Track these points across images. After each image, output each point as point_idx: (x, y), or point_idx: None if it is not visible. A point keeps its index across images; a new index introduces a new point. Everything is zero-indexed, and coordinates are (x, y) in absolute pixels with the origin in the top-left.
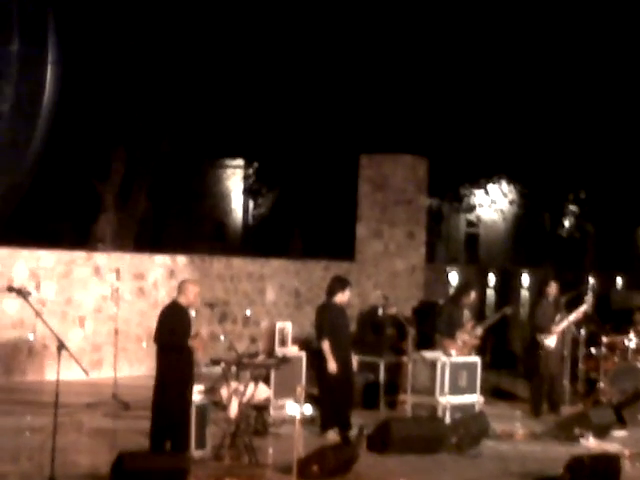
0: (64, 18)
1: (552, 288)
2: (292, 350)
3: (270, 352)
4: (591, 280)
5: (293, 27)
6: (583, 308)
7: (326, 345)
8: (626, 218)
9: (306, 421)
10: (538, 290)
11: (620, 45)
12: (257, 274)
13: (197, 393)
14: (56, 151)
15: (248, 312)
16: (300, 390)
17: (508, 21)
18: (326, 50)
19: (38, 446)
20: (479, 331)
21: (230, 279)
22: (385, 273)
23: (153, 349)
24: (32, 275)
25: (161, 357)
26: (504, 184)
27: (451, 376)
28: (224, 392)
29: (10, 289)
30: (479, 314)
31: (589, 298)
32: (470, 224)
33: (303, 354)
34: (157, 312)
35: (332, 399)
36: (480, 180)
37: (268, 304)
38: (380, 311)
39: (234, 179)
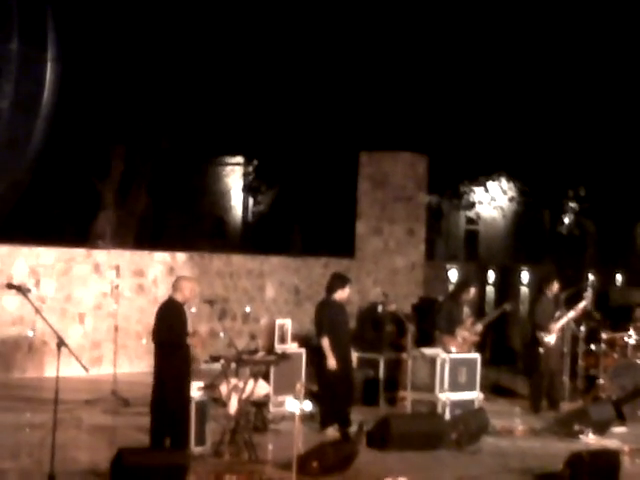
0: (63, 16)
1: (553, 286)
2: (292, 347)
3: (270, 349)
4: (591, 277)
5: (292, 25)
6: (582, 304)
7: (326, 342)
8: (626, 215)
9: (306, 417)
10: (538, 287)
11: (620, 44)
12: (257, 271)
13: (197, 390)
14: (56, 148)
15: (248, 309)
16: (300, 387)
17: (508, 19)
18: (325, 48)
19: (38, 442)
20: (479, 328)
21: (230, 276)
22: (385, 270)
23: (152, 346)
24: (32, 272)
25: (159, 354)
26: (504, 181)
27: (451, 373)
28: (224, 389)
29: (10, 286)
30: (479, 311)
31: (588, 295)
32: (470, 221)
33: (303, 351)
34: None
35: (332, 396)
36: (480, 177)
37: (268, 301)
38: (380, 308)
39: (234, 176)
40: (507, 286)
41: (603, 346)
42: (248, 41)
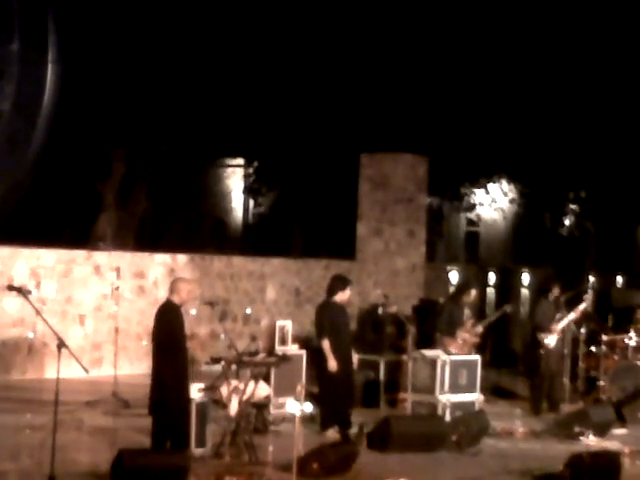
0: (64, 18)
1: (554, 288)
2: (292, 348)
3: (270, 350)
4: (591, 279)
5: (293, 26)
6: (582, 306)
7: (326, 344)
8: (626, 217)
9: (306, 419)
10: (538, 289)
11: (620, 45)
12: (257, 273)
13: (197, 391)
14: (57, 150)
15: (248, 310)
16: (300, 388)
17: (508, 21)
18: (326, 49)
19: (38, 444)
20: (479, 329)
21: (230, 278)
22: (385, 272)
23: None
24: (32, 274)
25: (158, 356)
26: (504, 183)
27: (451, 374)
28: (224, 390)
29: (10, 288)
30: (479, 313)
31: (588, 296)
32: (470, 223)
33: (303, 352)
34: None
35: (332, 397)
36: (480, 179)
37: (268, 303)
38: (380, 310)
39: (234, 178)
40: (507, 288)
41: (603, 348)
42: (248, 43)
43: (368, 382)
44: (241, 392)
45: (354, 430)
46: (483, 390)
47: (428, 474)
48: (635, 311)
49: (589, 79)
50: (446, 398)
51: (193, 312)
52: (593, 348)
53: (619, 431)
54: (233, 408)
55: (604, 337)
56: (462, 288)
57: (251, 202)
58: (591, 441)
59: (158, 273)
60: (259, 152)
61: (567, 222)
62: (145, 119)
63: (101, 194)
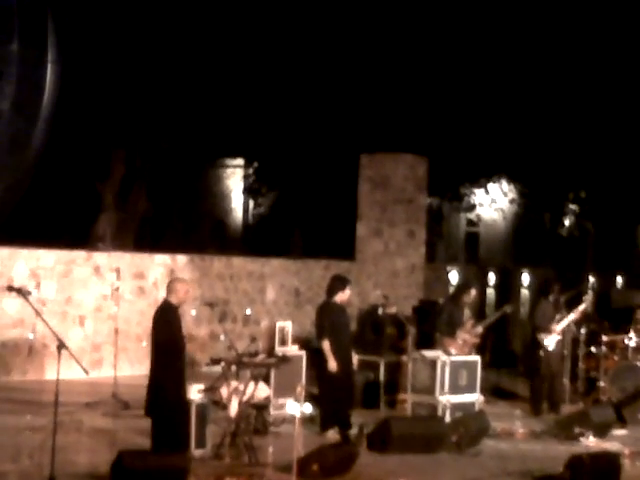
0: (64, 18)
1: (553, 288)
2: (292, 349)
3: (270, 351)
4: (591, 279)
5: (293, 27)
6: (582, 307)
7: (326, 344)
8: (626, 217)
9: (306, 420)
10: (538, 289)
11: (620, 45)
12: (257, 273)
13: (197, 392)
14: (56, 150)
15: (248, 311)
16: (300, 389)
17: (508, 21)
18: (326, 49)
19: (38, 445)
20: (479, 330)
21: (230, 278)
22: (385, 272)
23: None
24: (32, 274)
25: (156, 357)
26: (504, 183)
27: (451, 375)
28: (224, 391)
29: (10, 289)
30: (479, 313)
31: (588, 297)
32: (470, 223)
33: (303, 353)
34: None
35: (332, 398)
36: (480, 179)
37: (268, 303)
38: (380, 310)
39: (234, 178)
40: (507, 288)
41: (604, 348)
42: (248, 43)
43: (368, 383)
44: (241, 393)
45: (354, 431)
46: (483, 391)
47: (428, 475)
48: (635, 311)
49: (588, 79)
50: (446, 399)
51: (193, 313)
52: (593, 349)
53: (619, 432)
54: (233, 409)
55: (604, 338)
56: (462, 288)
57: (251, 202)
58: (591, 442)
59: (158, 274)
60: (259, 152)
61: (567, 222)
62: (145, 120)
63: (101, 195)
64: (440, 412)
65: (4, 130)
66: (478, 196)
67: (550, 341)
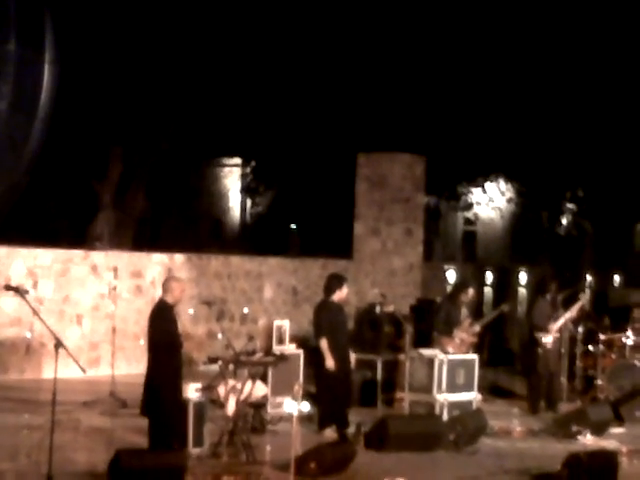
0: (61, 17)
1: (551, 287)
2: (290, 348)
3: (268, 350)
4: (589, 278)
5: (291, 26)
6: (578, 305)
7: (324, 343)
8: (624, 216)
9: (304, 419)
10: (535, 288)
11: (619, 44)
12: (255, 272)
13: (194, 391)
14: (54, 150)
15: (246, 310)
16: (297, 388)
17: (506, 20)
18: (323, 49)
19: (36, 444)
20: (477, 329)
21: (228, 277)
22: (383, 271)
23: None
24: (30, 273)
25: (152, 356)
26: (502, 182)
27: (448, 374)
28: (222, 390)
29: (8, 287)
30: (477, 312)
31: (585, 295)
32: (468, 222)
33: (301, 352)
34: None
35: (330, 397)
36: (478, 178)
37: (266, 302)
38: (378, 309)
39: (232, 177)
40: (505, 287)
41: (601, 347)
42: (246, 43)
43: (365, 381)
44: (238, 392)
45: (351, 429)
46: (481, 389)
47: (425, 474)
48: (632, 310)
49: (586, 78)
50: (443, 397)
51: (191, 311)
52: (591, 347)
53: (617, 430)
54: (230, 408)
55: (602, 336)
56: (459, 287)
57: (248, 201)
58: (589, 440)
59: (155, 273)
60: (256, 152)
61: (564, 221)
62: (142, 119)
63: (98, 194)
64: (437, 410)
65: (1, 130)
66: (475, 195)
67: (548, 339)
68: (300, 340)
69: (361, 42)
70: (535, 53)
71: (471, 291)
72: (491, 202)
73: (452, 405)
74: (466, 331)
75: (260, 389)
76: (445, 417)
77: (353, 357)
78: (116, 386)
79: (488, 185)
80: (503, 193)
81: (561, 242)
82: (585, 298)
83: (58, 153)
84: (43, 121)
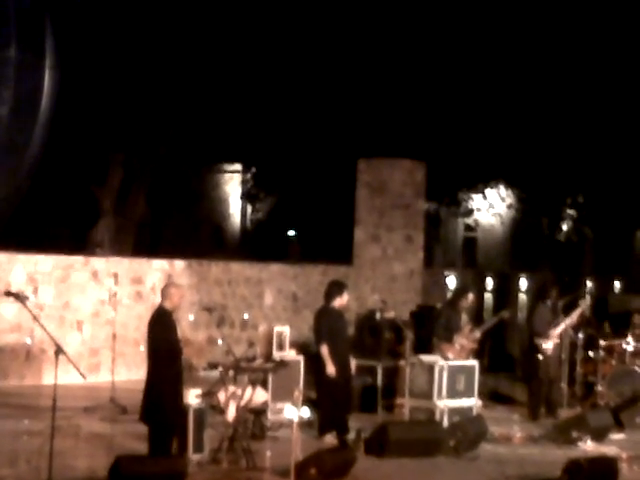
0: (62, 23)
1: (551, 293)
2: (290, 354)
3: (268, 356)
4: (589, 284)
5: (291, 32)
6: (579, 311)
7: (325, 349)
8: (624, 222)
9: (304, 424)
10: (536, 294)
11: (618, 49)
12: (255, 278)
13: (195, 397)
14: (54, 156)
15: (246, 316)
16: (298, 394)
17: (506, 26)
18: (324, 55)
19: (36, 450)
20: (477, 335)
21: (228, 283)
22: (383, 277)
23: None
24: (30, 279)
25: (152, 363)
26: (502, 188)
27: (449, 380)
28: (222, 396)
29: (8, 293)
30: (477, 318)
31: (585, 301)
32: (468, 228)
33: (301, 358)
34: None
35: (330, 403)
36: (478, 184)
37: (266, 308)
38: (378, 315)
39: (232, 184)
40: (505, 293)
41: (601, 353)
42: (247, 48)
43: (366, 387)
44: (239, 398)
45: (351, 435)
46: (481, 395)
47: (425, 479)
48: (633, 316)
49: (586, 85)
50: (444, 403)
51: (191, 318)
52: (591, 353)
53: (617, 436)
54: (231, 414)
55: (602, 342)
56: (460, 293)
57: (249, 208)
58: (589, 446)
59: (156, 279)
60: (257, 158)
61: (565, 227)
62: (143, 125)
63: (99, 200)
64: (438, 417)
65: (2, 135)
66: (476, 201)
67: (548, 345)
68: (300, 346)
69: (362, 49)
70: (535, 60)
71: (471, 297)
72: (491, 208)
73: (452, 411)
74: (466, 337)
75: (260, 395)
76: (445, 423)
77: (353, 363)
78: (116, 392)
79: (488, 191)
80: (503, 199)
81: (561, 248)
82: (585, 304)
83: (58, 159)
84: (44, 126)
